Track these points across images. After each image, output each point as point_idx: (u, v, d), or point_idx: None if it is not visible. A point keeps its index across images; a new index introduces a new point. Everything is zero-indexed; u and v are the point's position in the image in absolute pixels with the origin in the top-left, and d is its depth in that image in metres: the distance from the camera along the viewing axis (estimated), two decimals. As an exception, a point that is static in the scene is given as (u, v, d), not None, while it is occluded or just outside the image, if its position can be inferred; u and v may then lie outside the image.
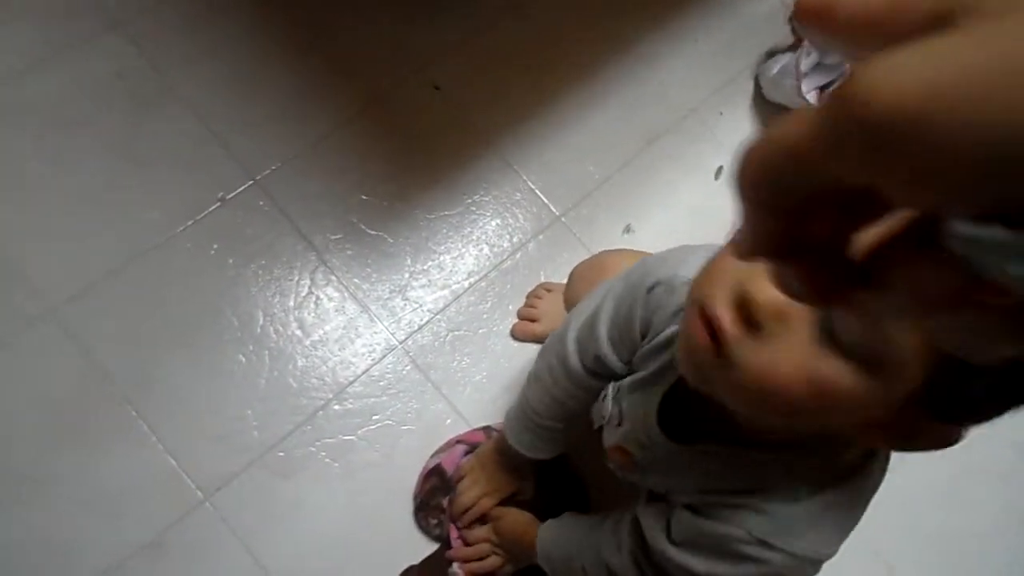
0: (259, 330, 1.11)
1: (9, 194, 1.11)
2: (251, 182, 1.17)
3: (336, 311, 1.14)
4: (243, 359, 1.09)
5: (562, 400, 0.86)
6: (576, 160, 1.27)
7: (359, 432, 1.09)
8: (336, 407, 1.09)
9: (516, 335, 1.16)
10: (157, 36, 1.22)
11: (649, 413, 0.68)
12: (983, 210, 0.18)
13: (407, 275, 1.17)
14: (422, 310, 1.16)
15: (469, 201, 1.23)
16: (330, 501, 1.06)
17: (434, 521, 1.07)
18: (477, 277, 1.19)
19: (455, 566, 1.05)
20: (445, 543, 1.06)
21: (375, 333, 1.14)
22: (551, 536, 0.94)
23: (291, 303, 1.13)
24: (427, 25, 1.31)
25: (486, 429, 1.10)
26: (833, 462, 0.61)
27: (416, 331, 1.15)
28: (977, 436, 0.50)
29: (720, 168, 1.34)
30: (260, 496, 1.06)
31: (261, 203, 1.16)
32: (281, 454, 1.07)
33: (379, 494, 1.07)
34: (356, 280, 1.16)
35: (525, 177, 1.26)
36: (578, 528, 0.91)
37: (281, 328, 1.11)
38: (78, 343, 1.06)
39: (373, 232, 1.18)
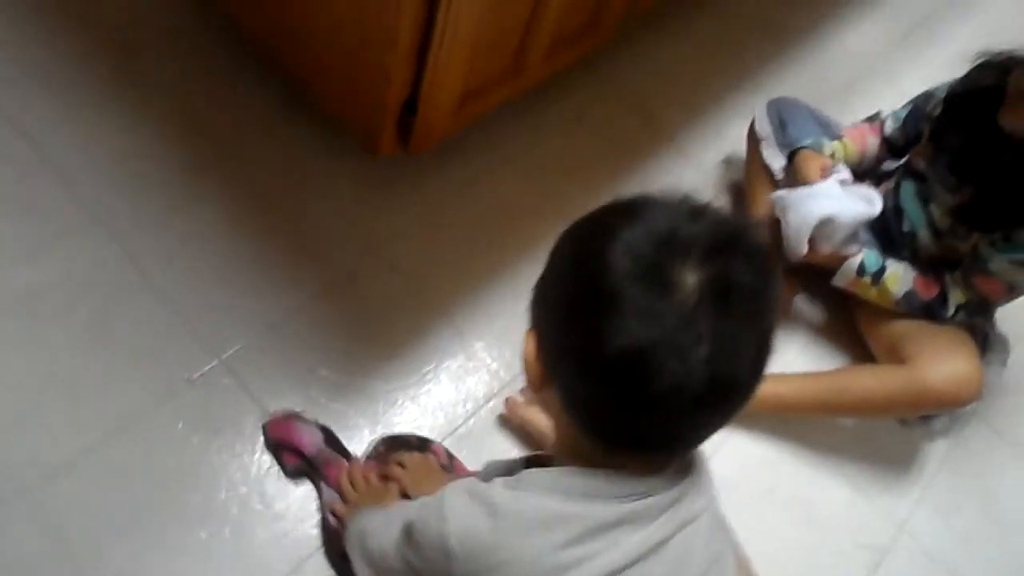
0: (221, 506, 1.14)
1: (-16, 380, 1.17)
2: (216, 361, 1.24)
3: (296, 483, 1.18)
4: (204, 535, 1.12)
5: None
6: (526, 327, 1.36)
7: (318, 605, 1.11)
8: (295, 581, 1.12)
9: (507, 410, 1.28)
10: (134, 230, 1.31)
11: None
12: None
13: (366, 446, 1.23)
14: (380, 479, 1.20)
15: (425, 371, 1.31)
16: None
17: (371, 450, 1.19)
18: (432, 445, 1.24)
19: (327, 495, 1.13)
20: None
21: (334, 504, 1.18)
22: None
23: (252, 478, 1.17)
24: (383, 208, 1.43)
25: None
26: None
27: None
28: None
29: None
30: (219, 676, 1.06)
31: (226, 381, 1.23)
32: (241, 631, 1.09)
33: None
34: (316, 452, 1.21)
35: (477, 346, 1.35)
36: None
37: (243, 503, 1.15)
38: (44, 524, 1.08)
39: (333, 405, 1.24)
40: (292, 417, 1.20)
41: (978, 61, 1.24)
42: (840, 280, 1.35)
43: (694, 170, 1.65)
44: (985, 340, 1.34)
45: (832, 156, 1.39)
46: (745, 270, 0.62)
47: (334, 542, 1.10)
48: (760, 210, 1.53)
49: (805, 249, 1.30)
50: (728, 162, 1.66)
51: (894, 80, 1.89)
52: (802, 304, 1.53)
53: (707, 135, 1.69)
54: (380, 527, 0.83)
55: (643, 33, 1.75)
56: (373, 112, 1.25)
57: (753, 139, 1.50)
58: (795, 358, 1.49)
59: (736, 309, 0.61)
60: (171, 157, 1.40)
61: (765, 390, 1.34)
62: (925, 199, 1.32)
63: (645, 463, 0.67)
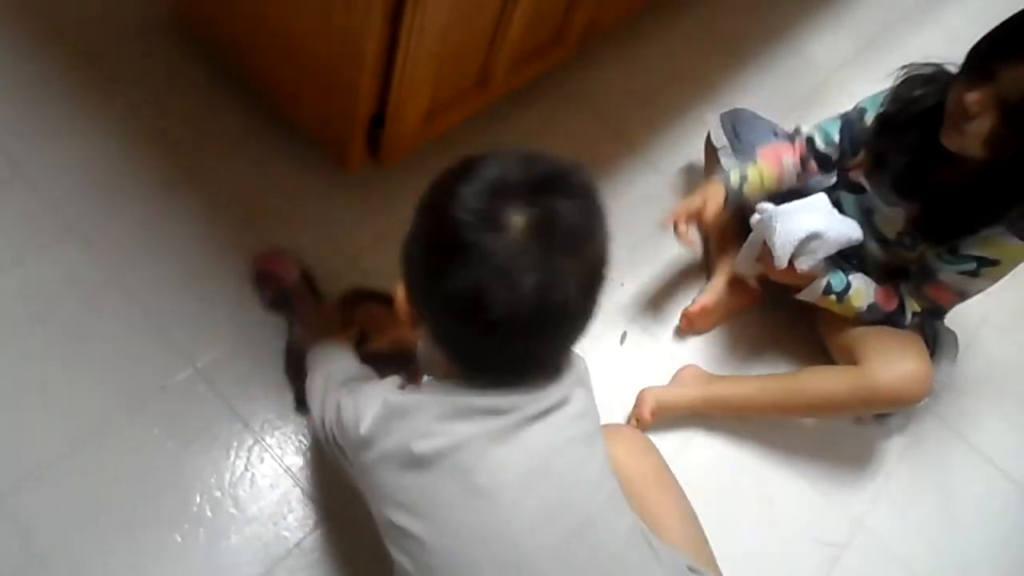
0: (195, 509, 1.18)
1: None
2: (192, 369, 1.27)
3: (271, 487, 1.22)
4: (179, 539, 1.15)
5: None
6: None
7: (291, 605, 1.15)
8: (268, 582, 1.15)
9: None
10: (109, 242, 1.35)
11: None
12: None
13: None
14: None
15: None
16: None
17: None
18: (402, 448, 1.28)
19: (296, 327, 1.29)
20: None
21: (307, 505, 1.21)
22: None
23: (226, 482, 1.20)
24: (357, 218, 1.47)
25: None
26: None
27: (349, 502, 1.22)
28: None
29: (624, 334, 1.49)
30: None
31: (201, 389, 1.26)
32: (215, 631, 1.12)
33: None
34: (290, 456, 1.25)
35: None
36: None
37: (217, 506, 1.19)
38: (18, 529, 1.11)
39: (306, 410, 1.28)
40: (278, 251, 1.36)
41: (903, 76, 1.26)
42: (807, 296, 1.37)
43: (656, 177, 1.69)
44: (935, 338, 1.38)
45: (741, 184, 1.37)
46: (569, 208, 0.73)
47: (296, 360, 1.25)
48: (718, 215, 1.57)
49: (785, 263, 1.28)
50: (689, 169, 1.70)
51: (855, 90, 1.94)
52: (763, 308, 1.58)
53: (668, 144, 1.73)
54: (335, 375, 1.04)
55: (605, 47, 1.80)
56: (342, 127, 1.29)
57: (711, 148, 1.55)
58: (755, 361, 1.53)
59: (561, 243, 0.72)
60: (147, 170, 1.43)
61: (725, 392, 1.42)
62: (867, 211, 1.36)
63: (503, 378, 0.80)
